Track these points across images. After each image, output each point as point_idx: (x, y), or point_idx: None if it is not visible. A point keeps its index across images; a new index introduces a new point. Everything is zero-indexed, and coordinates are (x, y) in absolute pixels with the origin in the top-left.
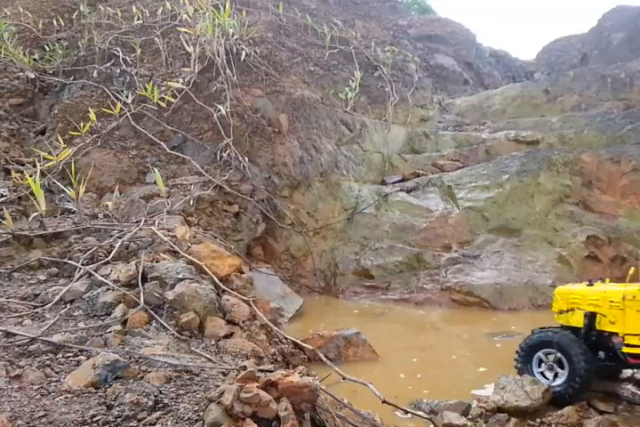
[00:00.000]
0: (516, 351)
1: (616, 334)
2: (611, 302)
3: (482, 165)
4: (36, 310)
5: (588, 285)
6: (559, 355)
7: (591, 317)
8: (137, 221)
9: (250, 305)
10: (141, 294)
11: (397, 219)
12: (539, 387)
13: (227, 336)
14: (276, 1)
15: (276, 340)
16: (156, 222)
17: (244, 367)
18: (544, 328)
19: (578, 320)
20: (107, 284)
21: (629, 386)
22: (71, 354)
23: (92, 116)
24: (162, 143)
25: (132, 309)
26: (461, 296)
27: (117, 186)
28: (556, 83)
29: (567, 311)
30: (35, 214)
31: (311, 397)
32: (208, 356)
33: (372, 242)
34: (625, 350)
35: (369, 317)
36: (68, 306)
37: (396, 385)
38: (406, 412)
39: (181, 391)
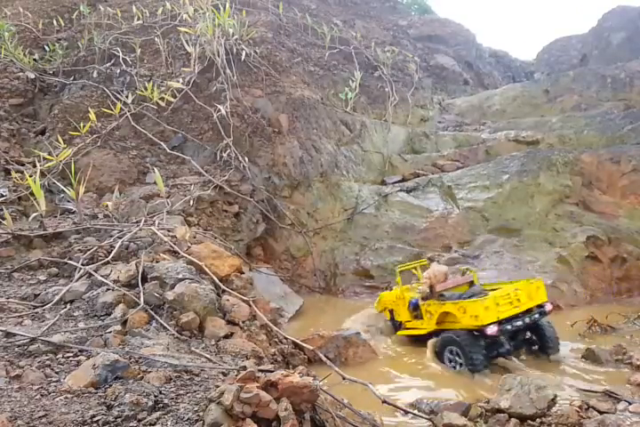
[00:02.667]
0: None
1: (402, 322)
2: (393, 301)
3: (482, 165)
4: (36, 310)
5: (390, 289)
6: None
7: (392, 312)
8: (137, 222)
9: (250, 305)
10: (141, 294)
11: (397, 219)
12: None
13: (227, 336)
14: (276, 1)
15: (276, 340)
16: (156, 222)
17: (244, 367)
18: None
19: (388, 315)
20: (107, 284)
21: None
22: (71, 354)
23: (92, 116)
24: (162, 143)
25: (132, 309)
26: None
27: (117, 186)
28: (556, 83)
29: (384, 310)
30: (35, 214)
31: (311, 397)
32: (208, 356)
33: (372, 242)
34: (400, 332)
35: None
36: (68, 306)
37: (396, 385)
38: (406, 412)
39: (181, 391)
